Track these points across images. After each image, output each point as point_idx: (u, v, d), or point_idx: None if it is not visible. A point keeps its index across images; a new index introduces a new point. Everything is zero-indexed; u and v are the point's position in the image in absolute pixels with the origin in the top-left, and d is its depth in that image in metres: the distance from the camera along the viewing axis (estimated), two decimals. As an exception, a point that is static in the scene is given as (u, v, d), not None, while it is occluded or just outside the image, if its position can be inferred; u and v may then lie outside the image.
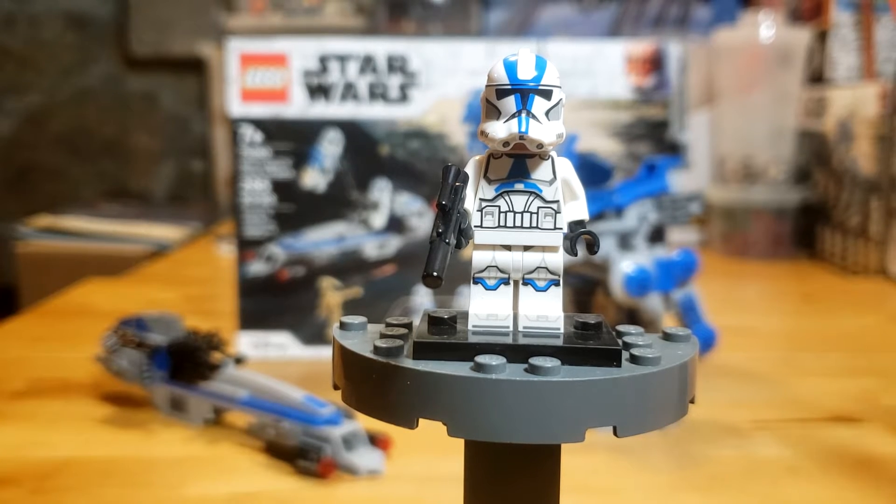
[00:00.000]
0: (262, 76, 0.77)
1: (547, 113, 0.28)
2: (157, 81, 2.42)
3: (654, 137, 0.80)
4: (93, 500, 0.51)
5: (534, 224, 0.29)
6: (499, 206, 0.29)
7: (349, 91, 0.77)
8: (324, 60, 0.77)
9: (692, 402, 0.29)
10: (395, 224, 0.78)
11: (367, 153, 0.78)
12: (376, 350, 0.27)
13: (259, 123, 0.77)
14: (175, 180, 2.46)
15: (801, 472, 0.55)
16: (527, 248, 0.29)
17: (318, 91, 0.77)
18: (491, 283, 0.29)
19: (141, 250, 1.54)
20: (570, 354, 0.27)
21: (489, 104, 0.29)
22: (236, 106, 0.77)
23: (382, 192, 0.78)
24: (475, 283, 0.29)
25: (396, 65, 0.77)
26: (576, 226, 0.30)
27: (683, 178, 0.93)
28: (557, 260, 0.29)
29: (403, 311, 0.78)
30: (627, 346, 0.28)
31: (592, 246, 0.29)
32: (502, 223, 0.29)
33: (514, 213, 0.29)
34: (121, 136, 2.44)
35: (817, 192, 1.31)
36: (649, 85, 0.79)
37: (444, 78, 0.77)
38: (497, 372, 0.26)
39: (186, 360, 0.61)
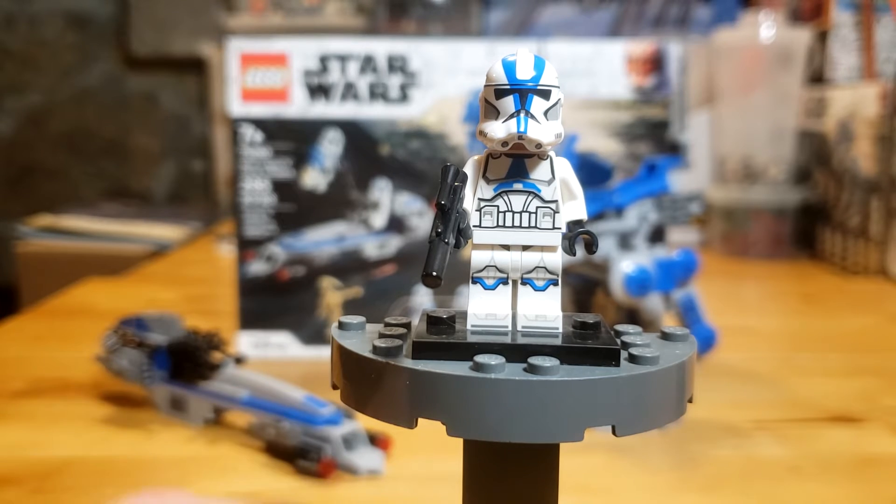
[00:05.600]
0: (262, 76, 0.77)
1: (546, 113, 0.28)
2: (158, 81, 2.42)
3: (655, 137, 0.80)
4: (93, 500, 0.51)
5: (532, 224, 0.29)
6: (497, 206, 0.29)
7: (349, 91, 0.77)
8: (324, 60, 0.77)
9: (690, 401, 0.29)
10: (396, 224, 0.78)
11: (367, 153, 0.78)
12: (375, 350, 0.27)
13: (259, 123, 0.77)
14: (175, 180, 2.46)
15: (801, 472, 0.55)
16: (525, 248, 0.29)
17: (319, 91, 0.77)
18: (490, 282, 0.29)
19: (141, 250, 1.54)
20: (568, 354, 0.27)
21: (488, 104, 0.29)
22: (236, 106, 0.77)
23: (382, 192, 0.78)
24: (474, 282, 0.30)
25: (396, 65, 0.77)
26: (574, 226, 0.30)
27: (683, 178, 0.93)
28: (556, 259, 0.29)
29: (403, 310, 0.78)
30: (626, 345, 0.28)
31: (591, 246, 0.29)
32: (501, 223, 0.29)
33: (513, 212, 0.29)
34: (121, 136, 2.44)
35: (817, 193, 1.31)
36: (649, 85, 0.79)
37: (444, 78, 0.77)
38: (496, 371, 0.26)
39: (186, 360, 0.61)
